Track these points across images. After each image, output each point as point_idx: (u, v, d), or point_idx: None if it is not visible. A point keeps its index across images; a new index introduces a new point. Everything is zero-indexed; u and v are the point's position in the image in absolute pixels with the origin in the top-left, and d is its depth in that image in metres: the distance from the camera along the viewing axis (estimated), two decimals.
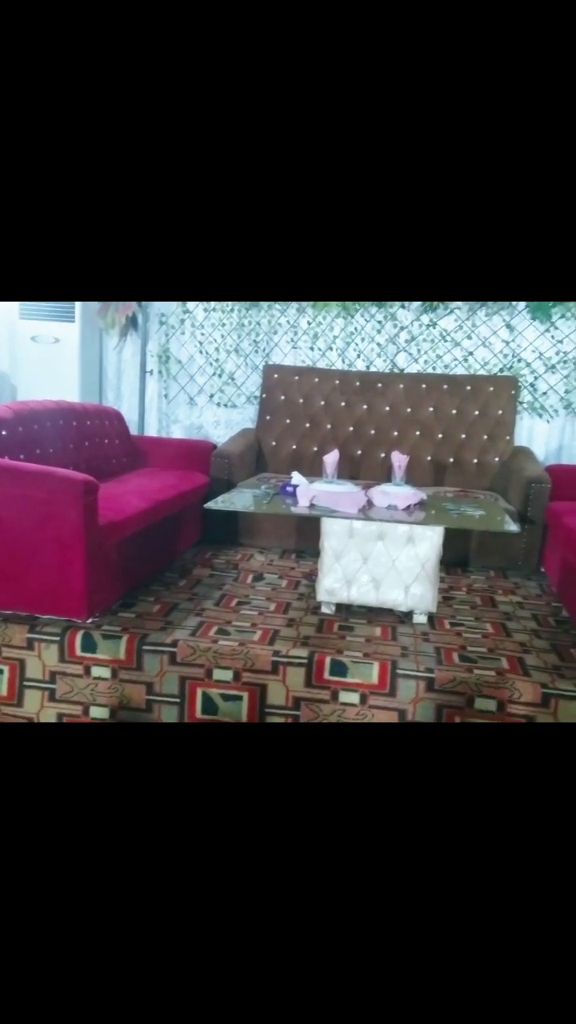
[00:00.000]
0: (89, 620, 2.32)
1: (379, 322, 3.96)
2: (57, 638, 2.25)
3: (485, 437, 3.66)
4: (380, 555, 2.47)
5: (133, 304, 4.03)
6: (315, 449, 3.71)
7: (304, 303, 3.93)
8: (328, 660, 2.16)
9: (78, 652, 2.25)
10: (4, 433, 2.56)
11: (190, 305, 4.12)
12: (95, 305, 4.10)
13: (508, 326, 3.84)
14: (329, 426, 3.76)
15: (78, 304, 4.05)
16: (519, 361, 3.86)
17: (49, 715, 2.28)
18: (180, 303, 4.09)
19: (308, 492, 2.57)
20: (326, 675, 2.15)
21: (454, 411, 3.68)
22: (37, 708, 2.28)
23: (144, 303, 4.09)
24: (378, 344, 3.99)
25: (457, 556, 3.18)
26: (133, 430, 3.94)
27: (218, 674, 2.19)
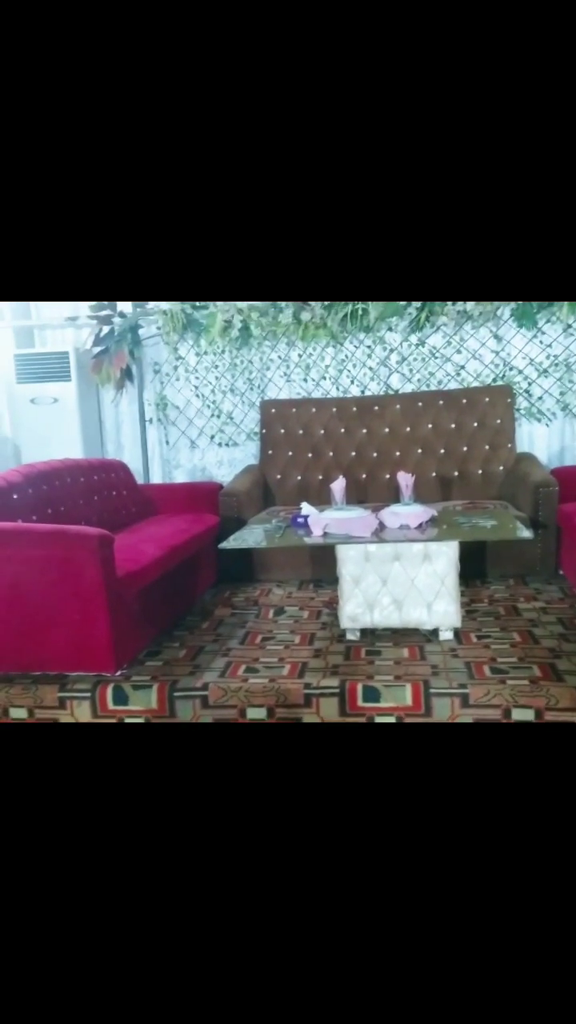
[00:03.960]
0: (118, 672, 2.32)
1: (368, 347, 4.02)
2: (88, 694, 2.26)
3: (487, 447, 3.68)
4: (399, 576, 2.47)
5: (126, 356, 4.11)
6: (320, 478, 3.74)
7: (293, 337, 4.00)
8: (360, 687, 2.15)
9: (110, 706, 2.25)
10: (16, 497, 2.59)
11: (182, 351, 4.19)
12: (90, 363, 4.18)
13: (496, 336, 3.89)
14: (331, 453, 3.80)
15: (73, 363, 4.13)
16: (511, 369, 3.91)
17: None
18: (172, 351, 4.17)
19: (320, 521, 2.59)
20: (359, 702, 2.15)
21: (453, 425, 3.72)
22: None
23: (137, 355, 4.17)
24: (370, 368, 4.05)
25: (474, 568, 3.18)
26: (138, 479, 3.98)
27: (252, 712, 2.18)
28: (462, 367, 3.96)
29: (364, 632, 2.59)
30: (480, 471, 3.66)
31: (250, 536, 2.78)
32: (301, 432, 3.85)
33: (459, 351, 3.95)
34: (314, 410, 3.87)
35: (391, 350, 4.01)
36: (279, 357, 4.13)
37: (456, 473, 3.67)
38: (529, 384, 3.91)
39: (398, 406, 3.80)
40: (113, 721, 2.24)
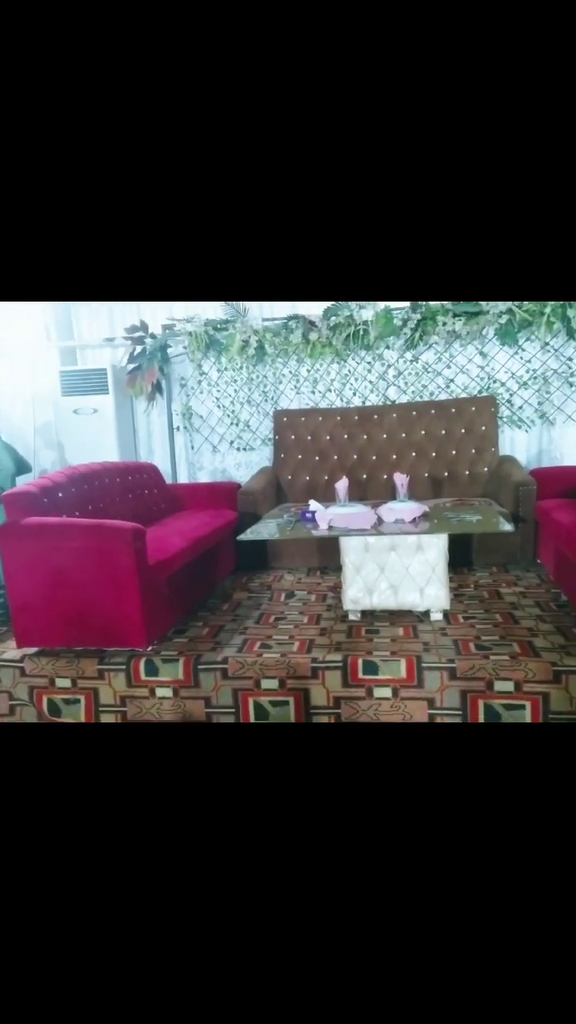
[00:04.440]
0: (149, 648, 2.34)
1: (368, 363, 4.01)
2: (123, 667, 2.28)
3: (473, 451, 3.67)
4: (395, 564, 2.47)
5: (156, 372, 4.12)
6: (326, 478, 3.74)
7: (302, 355, 4.00)
8: (360, 661, 2.16)
9: (143, 677, 2.27)
10: (61, 495, 2.62)
11: (205, 367, 4.20)
12: (125, 378, 4.20)
13: (481, 353, 3.87)
14: (336, 457, 3.80)
15: (110, 379, 4.16)
16: (495, 382, 3.88)
17: None
18: (197, 367, 4.18)
19: (325, 516, 2.59)
20: (360, 675, 2.15)
21: (443, 431, 3.70)
22: None
23: (166, 371, 4.19)
24: (370, 382, 4.04)
25: (462, 557, 3.17)
26: (167, 480, 4.00)
27: (266, 683, 2.20)
28: (451, 380, 3.94)
29: (364, 613, 2.59)
30: (467, 472, 3.64)
31: (265, 529, 2.79)
32: (309, 438, 3.85)
33: (449, 366, 3.93)
34: (321, 419, 3.87)
35: (388, 365, 4.00)
36: (290, 372, 4.13)
37: (446, 474, 3.66)
38: (511, 395, 3.88)
39: (395, 415, 3.79)
40: (145, 692, 2.26)
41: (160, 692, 2.26)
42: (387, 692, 2.13)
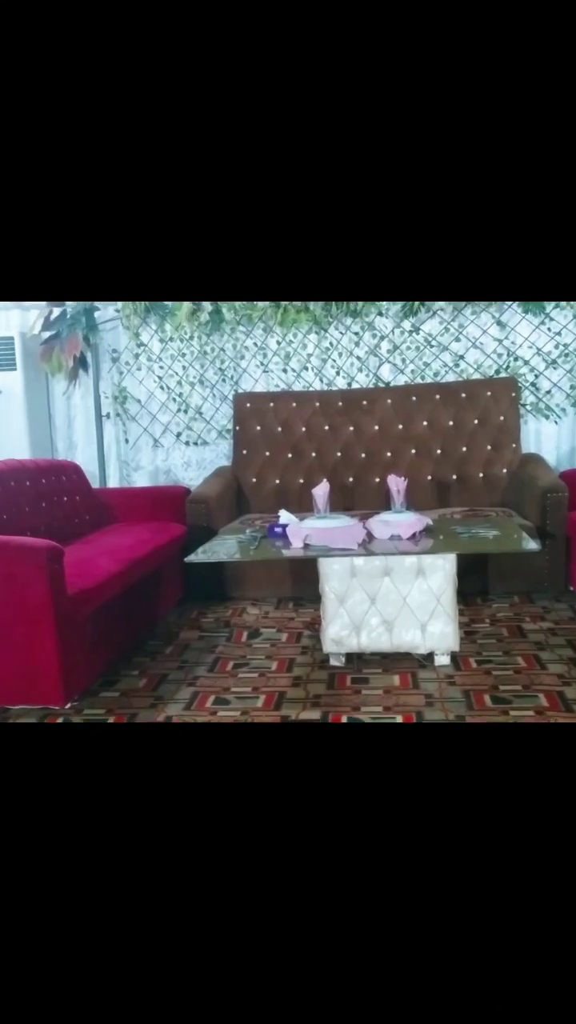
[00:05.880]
0: (68, 705, 2.31)
1: (356, 334, 4.05)
2: None
3: (488, 447, 3.73)
4: (389, 593, 2.49)
5: (80, 343, 4.10)
6: (301, 481, 3.76)
7: (271, 322, 4.03)
8: (344, 720, 2.16)
9: None
10: None
11: (144, 337, 4.20)
12: (38, 349, 4.16)
13: (499, 323, 3.95)
14: (314, 454, 3.82)
15: (19, 350, 4.12)
16: (516, 360, 3.96)
17: None
18: (133, 337, 4.18)
19: (300, 531, 2.59)
20: None
21: (451, 422, 3.76)
22: None
23: (92, 341, 4.17)
24: (357, 358, 4.08)
25: (475, 584, 3.21)
26: (93, 483, 3.97)
27: None
28: (461, 357, 4.01)
29: (350, 657, 2.60)
30: (481, 474, 3.70)
31: (221, 548, 2.78)
32: (280, 429, 3.87)
33: (458, 339, 4.00)
34: (294, 404, 3.89)
35: (381, 337, 4.05)
36: (255, 344, 4.15)
37: (454, 476, 3.71)
38: (536, 376, 3.96)
39: (389, 400, 3.83)
40: None
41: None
42: None
